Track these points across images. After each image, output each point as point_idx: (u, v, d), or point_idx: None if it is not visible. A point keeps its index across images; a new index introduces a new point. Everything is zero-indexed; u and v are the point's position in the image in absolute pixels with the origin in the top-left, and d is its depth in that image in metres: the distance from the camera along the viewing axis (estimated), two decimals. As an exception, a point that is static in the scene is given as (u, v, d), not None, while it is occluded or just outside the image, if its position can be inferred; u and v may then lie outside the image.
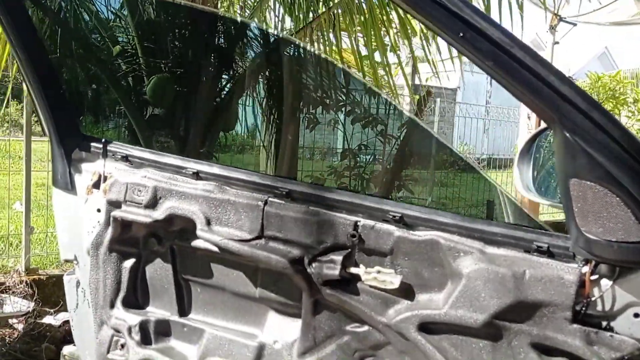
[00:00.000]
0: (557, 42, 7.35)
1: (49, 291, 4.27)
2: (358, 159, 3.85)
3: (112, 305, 2.08)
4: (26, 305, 4.28)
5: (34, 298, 4.29)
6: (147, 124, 3.76)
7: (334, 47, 4.48)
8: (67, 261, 2.30)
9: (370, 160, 3.88)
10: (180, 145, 3.56)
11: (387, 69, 4.63)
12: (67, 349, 3.10)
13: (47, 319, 4.28)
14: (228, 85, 4.10)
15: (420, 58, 5.26)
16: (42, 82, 2.07)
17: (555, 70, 1.37)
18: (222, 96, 4.08)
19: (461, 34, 1.37)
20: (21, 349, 4.16)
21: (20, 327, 4.25)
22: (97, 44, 3.69)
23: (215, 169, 1.99)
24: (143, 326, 2.04)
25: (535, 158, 1.93)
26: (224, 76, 3.97)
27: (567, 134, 1.34)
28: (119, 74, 3.80)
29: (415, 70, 5.51)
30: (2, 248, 5.00)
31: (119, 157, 2.11)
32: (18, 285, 4.33)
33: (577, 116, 1.33)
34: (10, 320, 4.25)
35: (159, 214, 1.96)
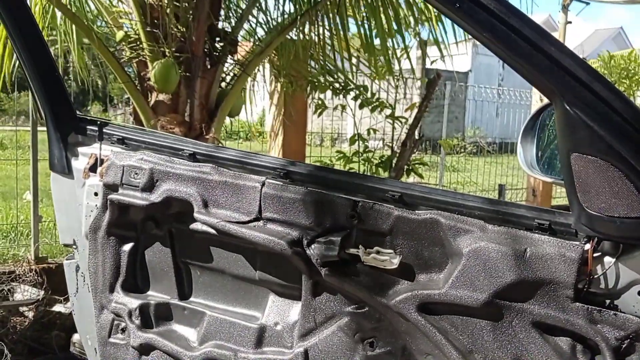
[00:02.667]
0: (569, 22, 7.23)
1: (58, 279, 4.28)
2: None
3: (112, 290, 2.07)
4: (36, 294, 4.31)
5: (44, 286, 4.32)
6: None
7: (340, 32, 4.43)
8: (66, 246, 2.30)
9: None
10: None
11: (394, 52, 4.57)
12: (76, 337, 3.11)
13: (57, 307, 4.31)
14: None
15: (430, 41, 5.19)
16: (37, 65, 2.05)
17: (555, 41, 1.33)
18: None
19: (457, 5, 1.33)
20: (31, 336, 4.21)
21: (30, 315, 4.28)
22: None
23: (212, 151, 1.97)
24: (143, 310, 2.04)
25: (538, 135, 1.89)
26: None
27: (568, 107, 1.31)
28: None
29: (424, 53, 5.43)
30: (12, 237, 5.04)
31: (115, 139, 2.09)
32: (28, 273, 4.36)
33: (577, 88, 1.29)
34: (20, 308, 4.29)
35: (156, 196, 1.94)
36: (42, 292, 4.31)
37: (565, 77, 1.29)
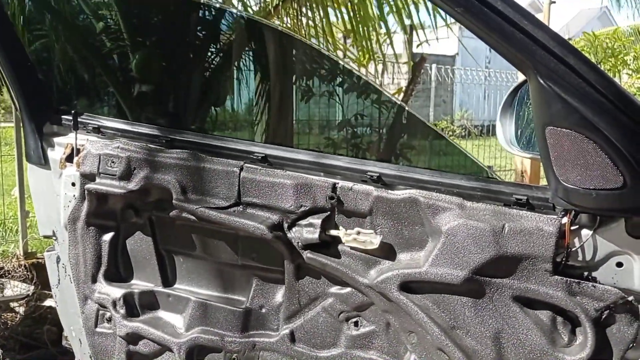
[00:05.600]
0: (553, 2, 7.19)
1: (47, 274, 4.26)
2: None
3: (94, 280, 2.06)
4: (26, 289, 4.29)
5: (34, 281, 4.30)
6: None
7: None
8: (46, 237, 2.28)
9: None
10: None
11: (378, 38, 4.56)
12: (68, 330, 3.08)
13: (48, 302, 4.29)
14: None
15: (416, 26, 5.17)
16: (9, 55, 2.03)
17: (528, 14, 1.33)
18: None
19: None
20: (23, 331, 4.19)
21: (21, 310, 4.26)
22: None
23: (189, 137, 1.96)
24: (127, 299, 2.03)
25: (517, 111, 1.89)
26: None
27: (542, 80, 1.31)
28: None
29: (409, 37, 5.41)
30: (0, 234, 5.01)
31: (91, 128, 2.07)
32: (17, 269, 4.34)
33: (551, 61, 1.29)
34: (11, 304, 4.27)
35: (134, 184, 1.93)
36: (32, 287, 4.28)
37: (538, 51, 1.29)
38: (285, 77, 3.43)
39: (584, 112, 1.28)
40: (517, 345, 1.51)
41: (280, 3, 4.11)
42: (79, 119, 2.07)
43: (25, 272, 4.33)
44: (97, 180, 1.98)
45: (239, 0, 4.43)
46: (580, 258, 1.45)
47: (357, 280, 1.70)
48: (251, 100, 4.22)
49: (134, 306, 2.05)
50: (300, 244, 1.73)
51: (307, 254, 1.73)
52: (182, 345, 1.97)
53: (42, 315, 4.27)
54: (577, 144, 1.31)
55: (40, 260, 4.42)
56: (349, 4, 4.34)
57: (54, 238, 2.20)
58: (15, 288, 4.31)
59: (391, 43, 4.51)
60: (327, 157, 1.80)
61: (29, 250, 4.51)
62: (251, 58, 4.39)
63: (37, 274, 4.31)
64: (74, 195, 2.05)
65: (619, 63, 6.72)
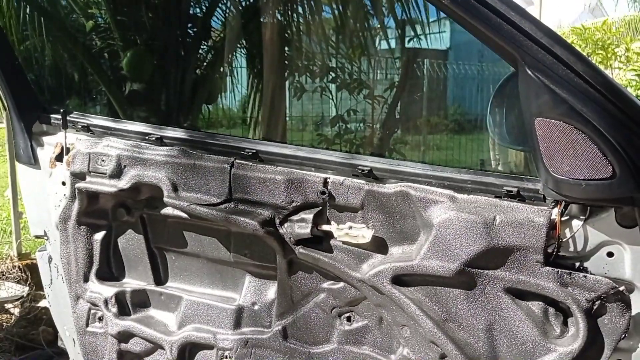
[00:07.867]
0: (545, -5, 7.19)
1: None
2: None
3: (86, 279, 2.06)
4: (21, 290, 4.28)
5: (28, 282, 4.29)
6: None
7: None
8: (37, 237, 2.27)
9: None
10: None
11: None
12: (64, 331, 3.06)
13: (43, 303, 4.28)
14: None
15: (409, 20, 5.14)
16: None
17: (515, 5, 1.33)
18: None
19: None
20: (18, 333, 4.17)
21: (16, 311, 4.25)
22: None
23: (179, 134, 1.95)
24: (119, 298, 2.03)
25: (508, 103, 1.88)
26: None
27: (529, 71, 1.31)
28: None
29: (402, 32, 5.39)
30: (-6, 235, 5.00)
31: (80, 127, 2.06)
32: (11, 270, 4.33)
33: (538, 52, 1.30)
34: (6, 305, 4.25)
35: (125, 183, 1.92)
36: (26, 289, 4.28)
37: (525, 41, 1.30)
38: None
39: (572, 102, 1.28)
40: (509, 337, 1.51)
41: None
42: (68, 118, 2.06)
43: (19, 274, 4.33)
44: (88, 179, 1.98)
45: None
46: (571, 249, 1.46)
47: (349, 275, 1.70)
48: (244, 97, 4.22)
49: (126, 305, 2.05)
50: (292, 239, 1.73)
51: (299, 250, 1.73)
52: (174, 343, 1.96)
53: (37, 316, 4.26)
54: (566, 134, 1.31)
55: (34, 261, 4.40)
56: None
57: (46, 238, 2.20)
58: (10, 289, 4.30)
59: (386, 37, 4.50)
60: (318, 151, 1.80)
61: (23, 251, 4.50)
62: (243, 53, 4.40)
63: (32, 275, 4.30)
64: (65, 195, 2.04)
65: (609, 55, 6.71)
